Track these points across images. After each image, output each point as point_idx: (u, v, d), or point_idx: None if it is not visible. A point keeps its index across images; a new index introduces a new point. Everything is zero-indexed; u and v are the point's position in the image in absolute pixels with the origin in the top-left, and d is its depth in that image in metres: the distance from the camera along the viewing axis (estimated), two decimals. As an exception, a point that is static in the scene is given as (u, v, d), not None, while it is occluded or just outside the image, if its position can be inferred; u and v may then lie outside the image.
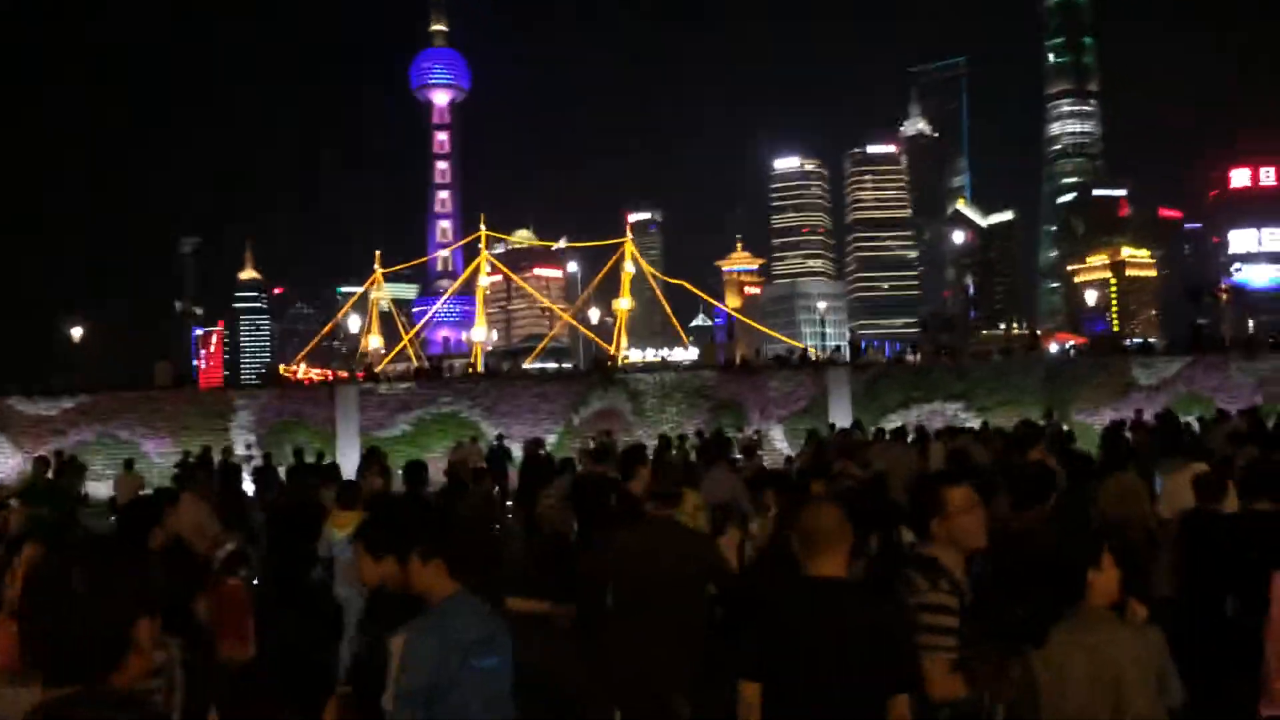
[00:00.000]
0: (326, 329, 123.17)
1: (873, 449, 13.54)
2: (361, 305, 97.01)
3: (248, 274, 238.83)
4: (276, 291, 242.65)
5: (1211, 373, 27.54)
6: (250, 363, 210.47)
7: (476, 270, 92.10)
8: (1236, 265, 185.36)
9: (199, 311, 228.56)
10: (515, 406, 29.38)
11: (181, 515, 7.13)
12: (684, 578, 5.17)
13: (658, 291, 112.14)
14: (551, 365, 59.45)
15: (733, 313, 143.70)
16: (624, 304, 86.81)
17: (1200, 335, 31.51)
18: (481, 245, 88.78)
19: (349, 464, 27.86)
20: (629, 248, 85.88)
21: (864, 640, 3.47)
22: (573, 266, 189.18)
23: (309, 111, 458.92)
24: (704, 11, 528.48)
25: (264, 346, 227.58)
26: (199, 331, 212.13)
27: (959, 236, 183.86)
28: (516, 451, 23.65)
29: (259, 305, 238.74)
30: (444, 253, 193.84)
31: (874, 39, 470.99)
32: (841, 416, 28.39)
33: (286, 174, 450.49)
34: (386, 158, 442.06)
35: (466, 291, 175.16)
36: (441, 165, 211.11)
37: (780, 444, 27.90)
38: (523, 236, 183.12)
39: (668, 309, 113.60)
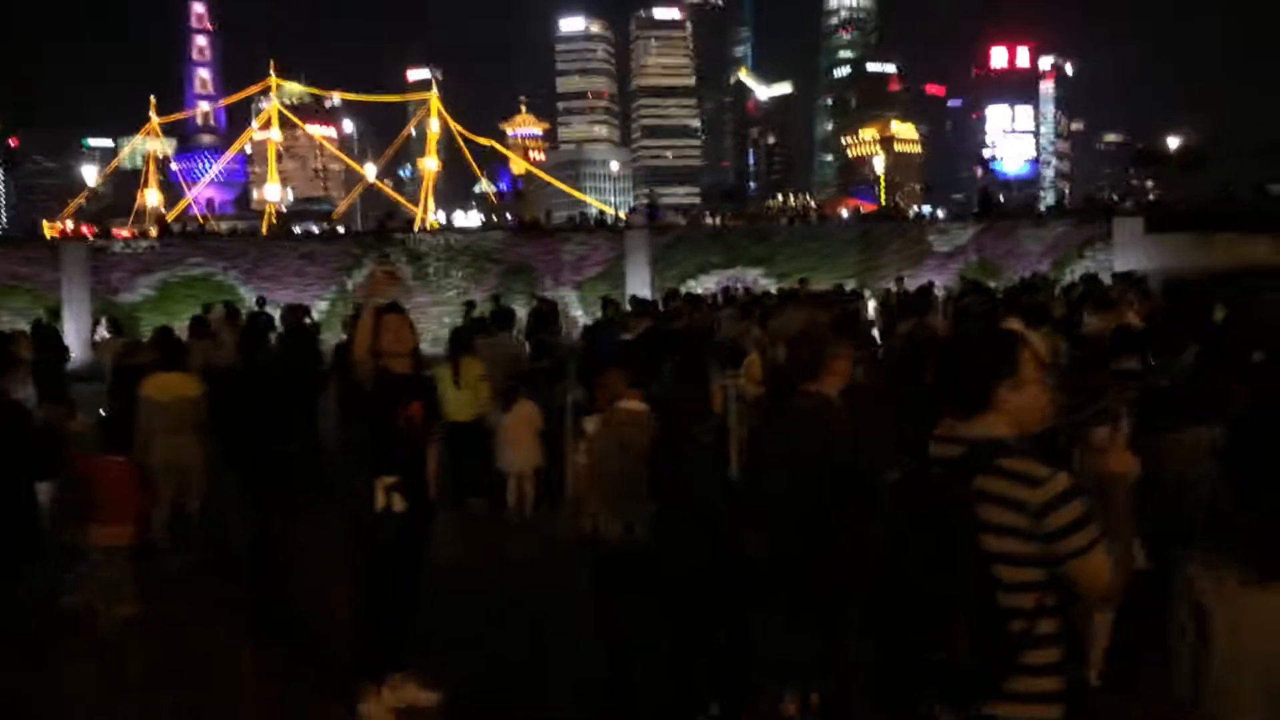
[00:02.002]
0: (100, 180, 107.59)
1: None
2: (109, 158, 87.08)
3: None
4: (11, 143, 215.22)
5: (1002, 239, 27.76)
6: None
7: (260, 125, 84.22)
8: (991, 154, 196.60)
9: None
10: (279, 270, 26.04)
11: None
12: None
13: (465, 152, 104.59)
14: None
15: (520, 177, 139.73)
16: (431, 164, 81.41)
17: (990, 202, 31.86)
18: (273, 93, 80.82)
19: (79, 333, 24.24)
20: (434, 103, 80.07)
21: None
22: (348, 125, 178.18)
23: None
24: None
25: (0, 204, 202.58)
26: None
27: (740, 108, 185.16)
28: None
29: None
30: (205, 106, 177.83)
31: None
32: (639, 282, 26.90)
33: (16, 9, 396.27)
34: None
35: (222, 148, 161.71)
36: (199, 9, 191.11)
37: (576, 312, 26.13)
38: (295, 90, 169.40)
39: (477, 169, 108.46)
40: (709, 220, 33.04)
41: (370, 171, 62.23)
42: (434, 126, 77.40)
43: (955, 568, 2.45)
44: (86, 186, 75.30)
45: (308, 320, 17.14)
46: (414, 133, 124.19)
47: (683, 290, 24.98)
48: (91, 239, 28.26)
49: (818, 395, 4.47)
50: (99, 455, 5.93)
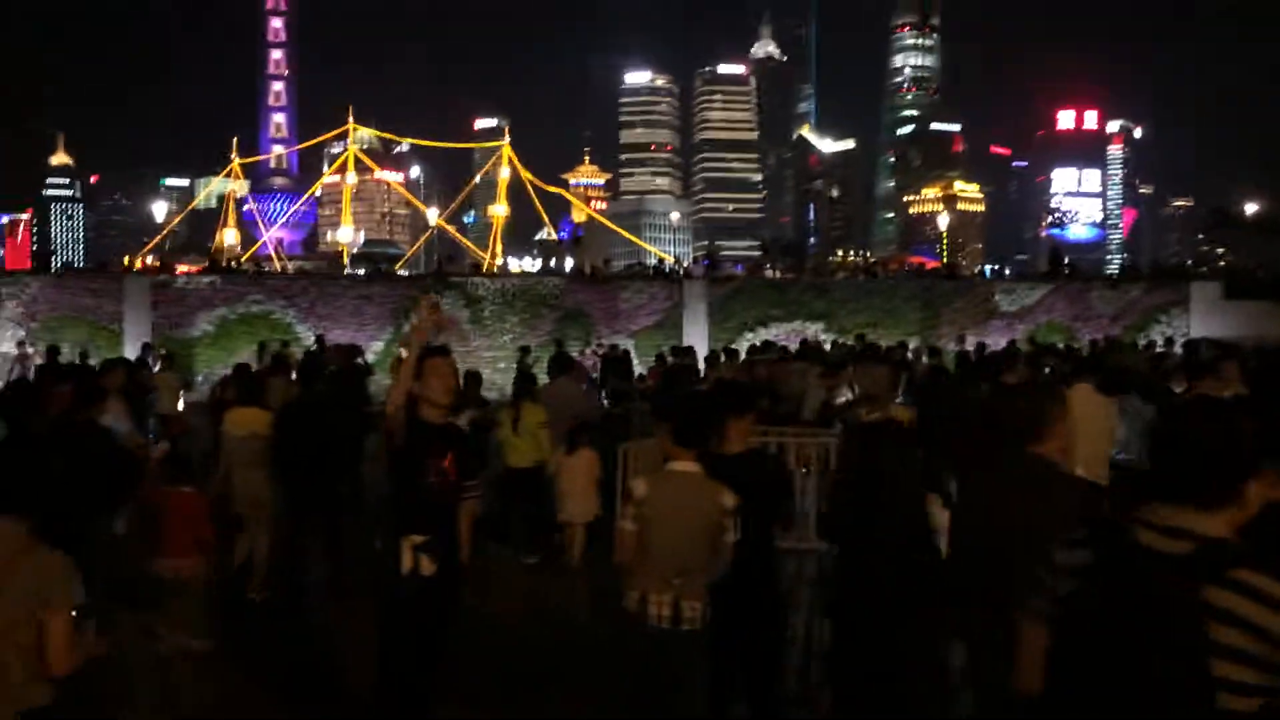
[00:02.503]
0: (176, 219, 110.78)
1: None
2: (184, 197, 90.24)
3: (59, 159, 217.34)
4: (92, 180, 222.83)
5: (1073, 301, 26.92)
6: (65, 255, 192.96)
7: (334, 169, 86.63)
8: (1059, 214, 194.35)
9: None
10: (336, 309, 26.09)
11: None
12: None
13: (535, 198, 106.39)
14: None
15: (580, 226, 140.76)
16: (500, 210, 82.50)
17: (1060, 261, 31.00)
18: (350, 139, 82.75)
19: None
20: (506, 151, 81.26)
21: None
22: (415, 171, 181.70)
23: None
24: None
25: (77, 238, 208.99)
26: (4, 219, 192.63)
27: (803, 164, 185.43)
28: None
29: (72, 194, 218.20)
30: (279, 149, 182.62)
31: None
32: (696, 333, 26.51)
33: (106, 56, 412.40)
34: (215, 47, 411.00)
35: (295, 191, 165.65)
36: (276, 55, 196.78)
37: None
38: (366, 135, 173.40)
39: (545, 216, 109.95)
40: (768, 272, 32.56)
41: (432, 215, 62.86)
42: (504, 173, 78.56)
43: (1178, 694, 2.09)
44: (157, 224, 77.40)
45: (360, 360, 16.97)
46: (478, 179, 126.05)
47: (748, 341, 24.59)
48: (155, 273, 28.56)
49: (1041, 459, 4.05)
50: (170, 486, 5.82)
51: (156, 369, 16.48)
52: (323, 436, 8.38)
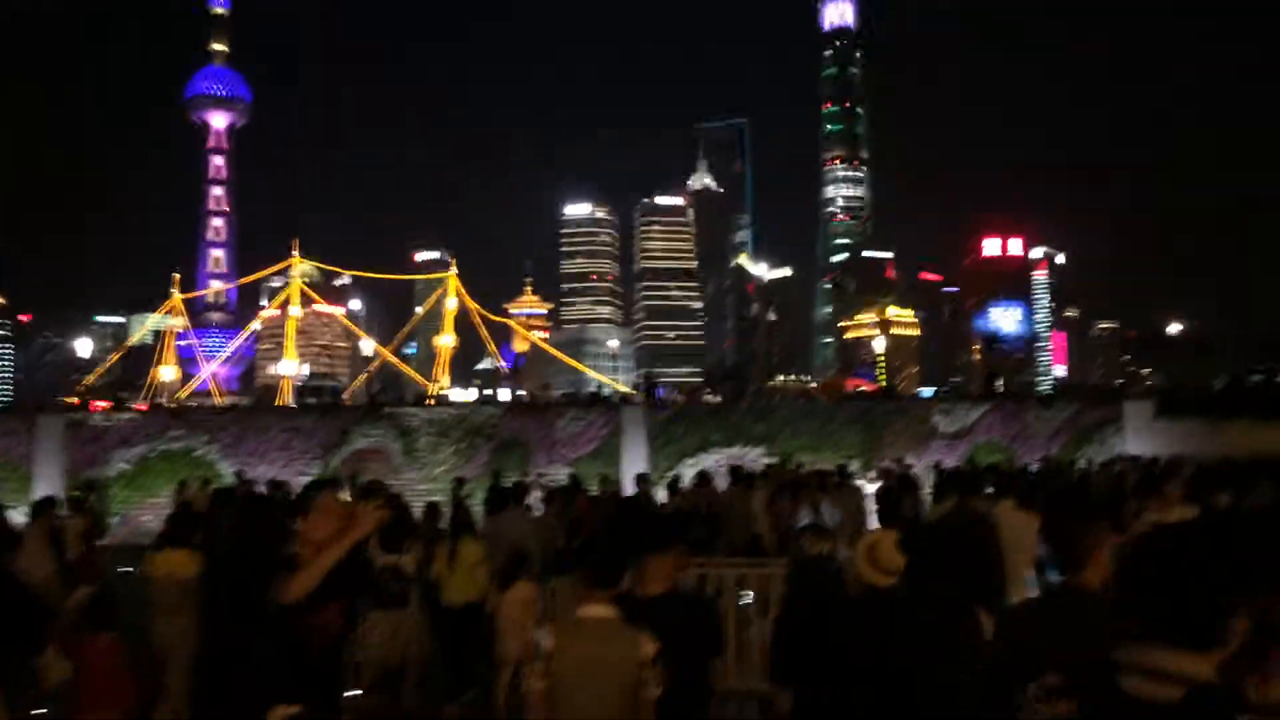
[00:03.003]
0: (114, 357, 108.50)
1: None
2: (118, 334, 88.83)
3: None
4: (23, 319, 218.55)
5: (1010, 421, 27.00)
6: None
7: (279, 303, 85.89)
8: (993, 329, 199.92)
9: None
10: (262, 444, 25.19)
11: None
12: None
13: (481, 329, 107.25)
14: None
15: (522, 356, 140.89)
16: (447, 340, 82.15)
17: (994, 381, 31.26)
18: (295, 271, 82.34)
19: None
20: (453, 282, 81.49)
21: None
22: (356, 303, 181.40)
23: (69, 133, 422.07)
24: (503, 60, 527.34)
25: (5, 377, 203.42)
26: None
27: (741, 290, 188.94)
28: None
29: (2, 332, 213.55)
30: (217, 284, 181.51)
31: (668, 98, 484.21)
32: (636, 460, 26.01)
33: (40, 193, 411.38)
34: (153, 183, 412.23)
35: (232, 326, 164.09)
36: (216, 191, 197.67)
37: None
38: (307, 269, 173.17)
39: (492, 347, 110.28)
40: (709, 398, 32.35)
41: (367, 346, 62.25)
42: (451, 303, 78.77)
43: None
44: (86, 361, 75.63)
45: (280, 494, 16.15)
46: (423, 310, 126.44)
47: (690, 468, 24.12)
48: (70, 411, 27.49)
49: (1079, 589, 3.73)
50: (89, 634, 5.45)
51: (64, 514, 15.53)
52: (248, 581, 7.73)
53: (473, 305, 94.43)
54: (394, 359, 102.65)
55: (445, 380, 76.38)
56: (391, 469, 24.76)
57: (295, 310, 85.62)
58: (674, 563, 4.40)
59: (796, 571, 5.67)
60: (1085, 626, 3.42)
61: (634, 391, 35.49)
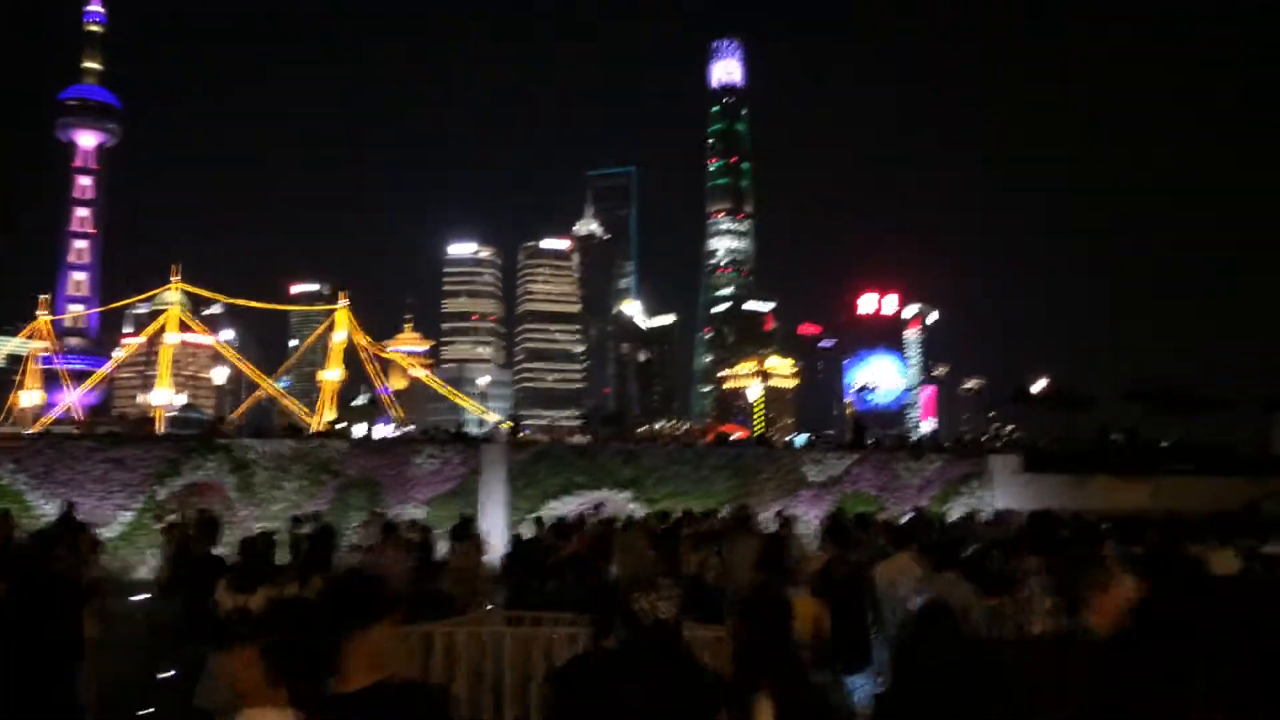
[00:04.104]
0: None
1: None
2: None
3: None
4: None
5: (879, 472, 26.57)
6: None
7: (153, 331, 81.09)
8: (862, 384, 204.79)
9: None
10: (78, 475, 22.74)
11: None
12: None
13: (368, 364, 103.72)
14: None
15: (394, 394, 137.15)
16: (333, 374, 78.64)
17: (863, 431, 30.97)
18: (175, 299, 77.90)
19: None
20: (343, 315, 78.34)
21: None
22: (228, 333, 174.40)
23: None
24: (401, 99, 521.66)
25: None
26: None
27: (623, 336, 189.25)
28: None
29: None
30: (78, 308, 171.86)
31: (558, 142, 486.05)
32: (495, 501, 24.55)
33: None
34: (14, 204, 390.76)
35: (92, 353, 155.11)
36: (81, 212, 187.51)
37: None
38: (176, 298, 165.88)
39: (382, 380, 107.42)
40: (577, 437, 31.10)
41: (220, 375, 58.93)
42: (338, 336, 75.95)
43: None
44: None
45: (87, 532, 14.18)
46: (308, 342, 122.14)
47: (543, 513, 22.80)
48: None
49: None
50: None
51: None
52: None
53: (362, 339, 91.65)
54: (276, 391, 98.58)
55: (330, 414, 73.02)
56: (225, 504, 22.66)
57: (173, 337, 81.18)
58: (385, 641, 3.07)
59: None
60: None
61: (507, 423, 34.10)
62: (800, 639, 4.69)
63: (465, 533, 13.18)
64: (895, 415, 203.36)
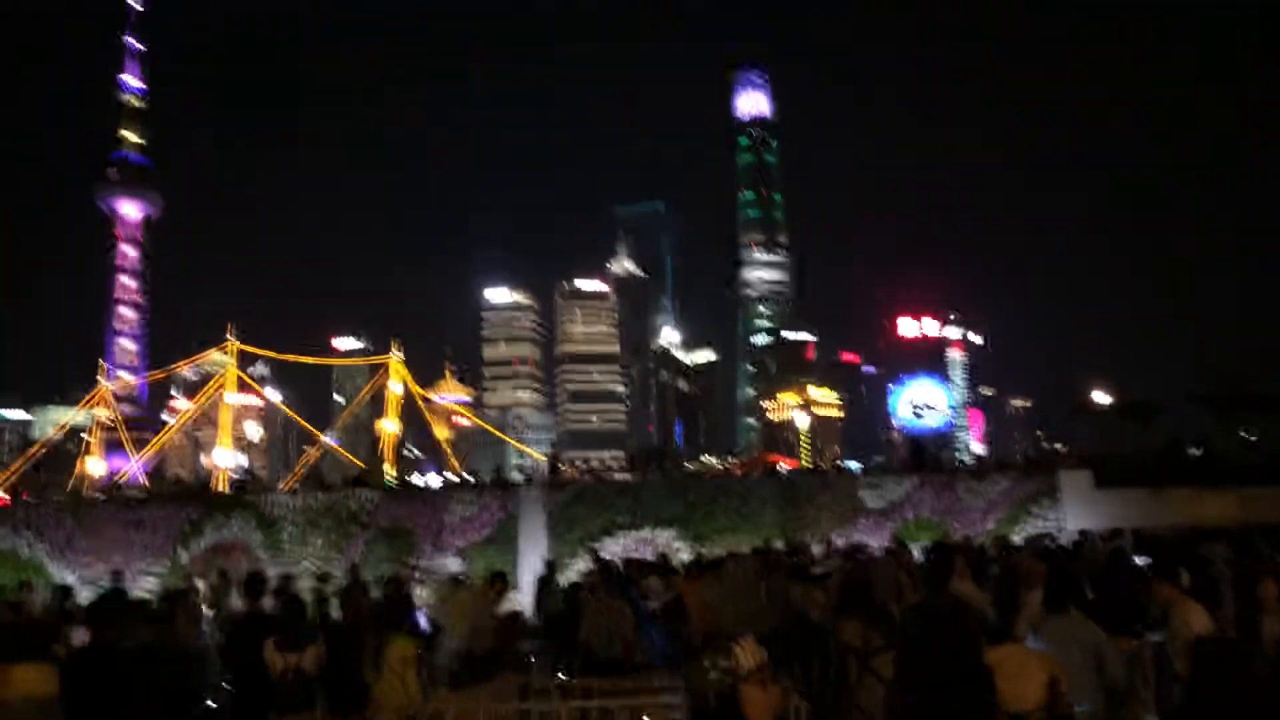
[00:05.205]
0: (34, 451, 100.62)
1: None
2: (20, 429, 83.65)
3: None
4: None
5: (940, 494, 24.94)
6: None
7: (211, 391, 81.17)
8: (926, 405, 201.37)
9: None
10: (101, 542, 21.87)
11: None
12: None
13: (426, 413, 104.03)
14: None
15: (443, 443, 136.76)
16: (390, 426, 78.21)
17: (922, 452, 29.31)
18: (231, 359, 78.03)
19: None
20: (397, 367, 77.94)
21: None
22: (275, 393, 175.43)
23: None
24: (424, 147, 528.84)
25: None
26: None
27: (665, 373, 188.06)
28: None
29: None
30: (129, 377, 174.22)
31: (594, 182, 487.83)
32: (534, 547, 23.27)
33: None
34: (59, 275, 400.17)
35: (141, 419, 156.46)
36: (127, 281, 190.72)
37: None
38: (223, 359, 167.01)
39: (438, 433, 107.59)
40: (620, 475, 29.78)
41: (254, 432, 58.40)
42: (396, 389, 75.55)
43: None
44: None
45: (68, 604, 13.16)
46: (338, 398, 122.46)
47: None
48: None
49: None
50: None
51: None
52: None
53: (417, 390, 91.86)
54: (337, 447, 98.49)
55: (391, 469, 72.38)
56: (252, 563, 21.62)
57: (234, 397, 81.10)
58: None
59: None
60: None
61: (544, 458, 32.98)
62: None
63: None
64: (946, 438, 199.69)
